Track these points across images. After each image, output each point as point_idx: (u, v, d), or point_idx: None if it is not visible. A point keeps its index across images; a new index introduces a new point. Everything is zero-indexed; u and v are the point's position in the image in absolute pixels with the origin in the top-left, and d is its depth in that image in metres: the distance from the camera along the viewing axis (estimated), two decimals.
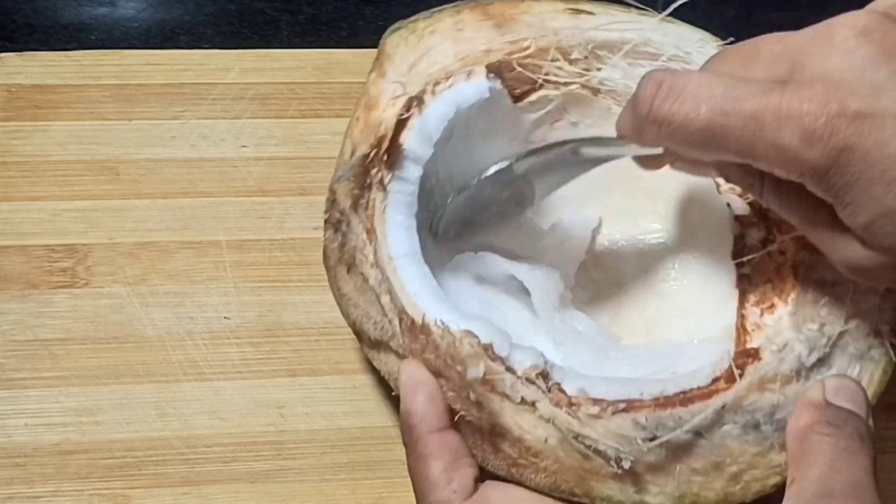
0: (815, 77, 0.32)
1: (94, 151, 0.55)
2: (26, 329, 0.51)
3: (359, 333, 0.43)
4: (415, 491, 0.38)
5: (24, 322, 0.51)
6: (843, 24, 0.32)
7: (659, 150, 0.38)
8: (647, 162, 0.40)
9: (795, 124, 0.31)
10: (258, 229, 0.54)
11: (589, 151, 0.41)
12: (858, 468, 0.34)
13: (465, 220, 0.46)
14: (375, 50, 0.46)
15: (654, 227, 0.48)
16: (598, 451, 0.37)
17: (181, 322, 0.52)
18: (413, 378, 0.39)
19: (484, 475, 0.39)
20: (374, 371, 0.47)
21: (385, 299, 0.41)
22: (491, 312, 0.44)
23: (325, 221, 0.43)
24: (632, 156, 0.40)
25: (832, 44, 0.32)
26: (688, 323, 0.46)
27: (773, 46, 0.34)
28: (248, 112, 0.57)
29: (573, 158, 0.41)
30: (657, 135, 0.35)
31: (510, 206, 0.46)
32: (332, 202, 0.43)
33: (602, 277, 0.49)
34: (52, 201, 0.54)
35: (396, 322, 0.40)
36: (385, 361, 0.42)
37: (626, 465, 0.36)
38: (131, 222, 0.54)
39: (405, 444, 0.39)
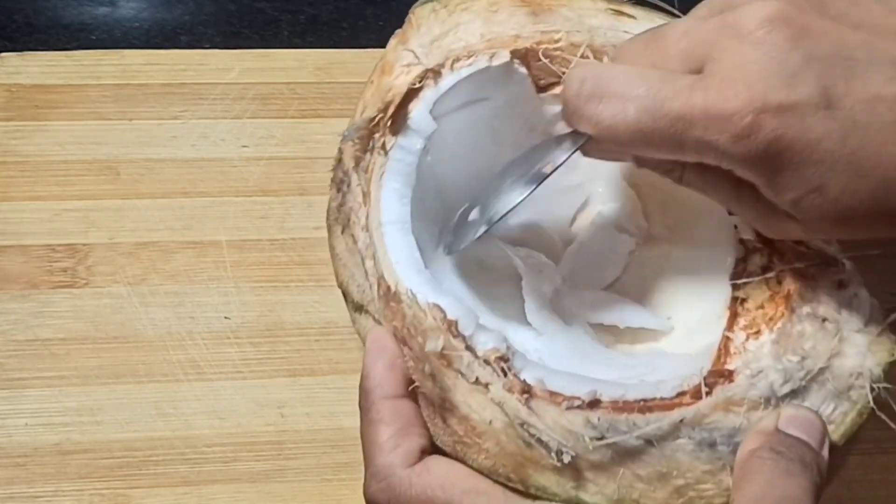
0: (732, 72, 0.32)
1: (94, 151, 0.55)
2: (26, 329, 0.51)
3: (345, 294, 0.43)
4: (363, 455, 0.39)
5: (24, 322, 0.51)
6: (749, 15, 0.33)
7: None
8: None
9: (723, 124, 0.32)
10: (258, 229, 0.54)
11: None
12: (796, 486, 0.34)
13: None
14: (376, 50, 0.46)
15: (659, 236, 0.48)
16: (540, 441, 0.36)
17: (181, 322, 0.52)
18: (377, 343, 0.39)
19: (436, 452, 0.39)
20: None
21: (369, 264, 0.41)
22: (481, 296, 0.44)
23: (331, 180, 0.43)
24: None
25: (741, 36, 0.33)
26: (674, 336, 0.46)
27: (678, 43, 0.35)
28: (249, 112, 0.57)
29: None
30: (588, 132, 0.36)
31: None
32: (338, 161, 0.43)
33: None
34: (52, 201, 0.54)
35: (376, 287, 0.40)
36: (363, 325, 0.42)
37: (567, 458, 0.36)
38: (131, 222, 0.54)
39: (360, 408, 0.39)
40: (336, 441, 0.50)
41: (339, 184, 0.43)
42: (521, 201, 0.40)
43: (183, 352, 0.51)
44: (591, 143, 0.38)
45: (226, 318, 0.52)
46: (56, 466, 0.48)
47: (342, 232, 0.43)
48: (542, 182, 0.40)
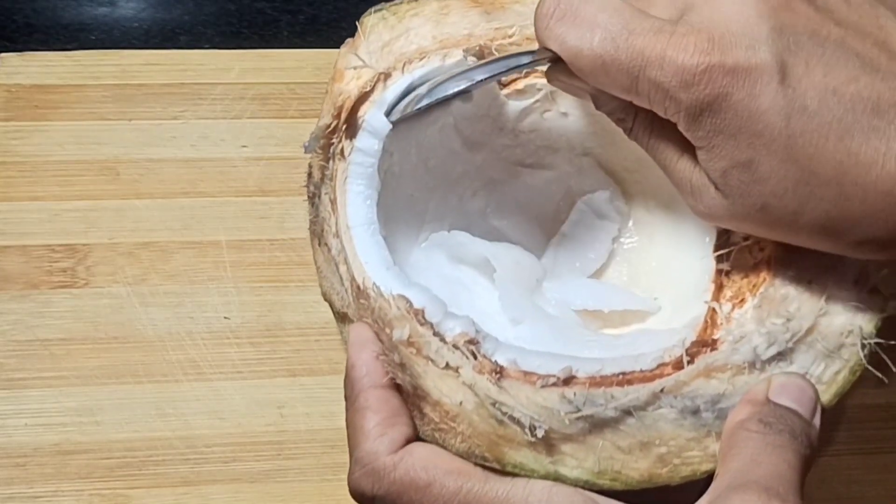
0: (703, 23, 0.33)
1: (94, 151, 0.55)
2: (26, 329, 0.51)
3: (330, 305, 0.43)
4: (348, 442, 0.39)
5: (24, 322, 0.51)
6: None
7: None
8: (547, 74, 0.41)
9: (677, 67, 0.33)
10: (258, 229, 0.54)
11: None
12: (781, 461, 0.34)
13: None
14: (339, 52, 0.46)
15: (640, 219, 0.48)
16: (512, 418, 0.36)
17: (181, 322, 0.52)
18: (361, 336, 0.39)
19: (420, 441, 0.39)
20: None
21: (343, 269, 0.41)
22: (460, 292, 0.44)
23: (306, 195, 0.44)
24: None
25: None
26: (662, 315, 0.46)
27: None
28: (248, 112, 0.57)
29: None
30: (554, 50, 0.36)
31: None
32: (308, 176, 0.43)
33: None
34: (52, 201, 0.54)
35: (350, 290, 0.41)
36: (348, 333, 0.42)
37: (540, 433, 0.36)
38: (131, 222, 0.54)
39: (346, 398, 0.39)
40: (336, 441, 0.50)
41: (312, 197, 0.43)
42: (469, 87, 0.40)
43: (182, 352, 0.51)
44: (554, 68, 0.38)
45: (225, 318, 0.52)
46: (56, 466, 0.48)
47: (318, 244, 0.43)
48: (493, 77, 0.40)
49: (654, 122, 0.36)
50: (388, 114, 0.42)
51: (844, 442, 0.52)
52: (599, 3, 0.35)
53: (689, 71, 0.32)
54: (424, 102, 0.42)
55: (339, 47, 0.59)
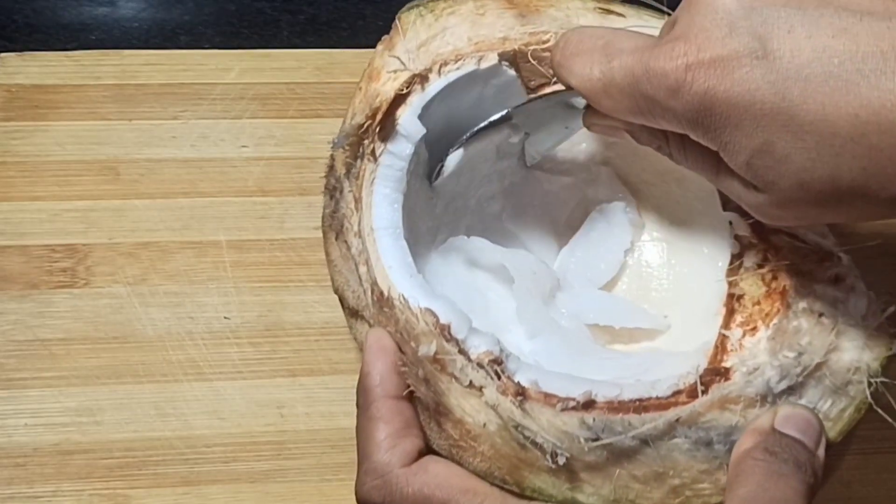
0: (682, 29, 0.33)
1: (94, 151, 0.55)
2: (26, 329, 0.51)
3: (341, 300, 0.43)
4: (358, 451, 0.39)
5: (24, 322, 0.51)
6: None
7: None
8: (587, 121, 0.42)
9: (661, 77, 0.33)
10: (258, 229, 0.54)
11: (579, 102, 0.41)
12: (788, 489, 0.34)
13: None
14: (376, 50, 0.46)
15: (654, 234, 0.48)
16: (535, 443, 0.36)
17: (181, 322, 0.52)
18: (379, 343, 0.39)
19: (432, 454, 0.39)
20: None
21: (363, 269, 0.41)
22: (475, 298, 0.44)
23: (324, 187, 0.43)
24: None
25: (701, 1, 0.33)
26: (671, 334, 0.46)
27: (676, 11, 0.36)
28: (248, 112, 0.57)
29: (565, 113, 0.42)
30: (570, 84, 0.37)
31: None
32: (330, 168, 0.43)
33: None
34: (52, 201, 0.54)
35: (370, 293, 0.41)
36: (360, 331, 0.42)
37: (561, 460, 0.36)
38: (131, 222, 0.54)
39: (358, 406, 0.39)
40: (336, 441, 0.50)
41: (332, 190, 0.43)
42: (488, 122, 0.42)
43: (183, 352, 0.51)
44: (588, 113, 0.39)
45: (225, 318, 0.52)
46: (56, 466, 0.48)
47: (336, 238, 0.43)
48: (514, 110, 0.42)
49: (683, 141, 0.36)
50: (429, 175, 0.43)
51: (844, 442, 0.52)
52: (599, 33, 0.36)
53: (672, 77, 0.32)
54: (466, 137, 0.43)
55: (339, 47, 0.59)
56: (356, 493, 0.38)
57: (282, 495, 0.49)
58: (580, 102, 0.40)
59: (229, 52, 0.59)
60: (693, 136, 0.34)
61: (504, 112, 0.43)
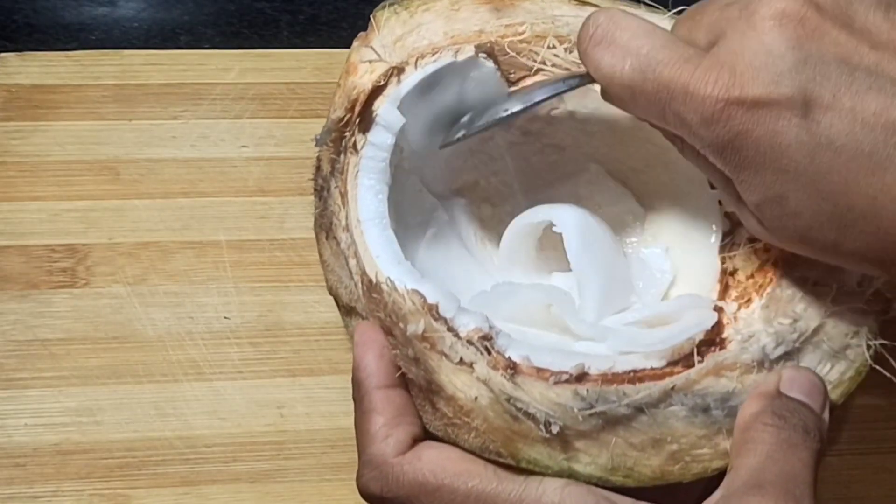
0: (728, 55, 0.32)
1: (94, 151, 0.55)
2: (26, 329, 0.51)
3: (336, 299, 0.43)
4: (357, 445, 0.39)
5: (24, 322, 0.51)
6: (768, 4, 0.32)
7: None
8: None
9: (697, 104, 0.32)
10: (258, 229, 0.54)
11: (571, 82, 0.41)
12: (796, 460, 0.34)
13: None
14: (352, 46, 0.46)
15: (647, 219, 0.48)
16: (528, 414, 0.36)
17: (181, 322, 0.52)
18: (365, 336, 0.39)
19: (429, 438, 0.39)
20: None
21: (352, 263, 0.41)
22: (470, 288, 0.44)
23: (313, 188, 0.44)
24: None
25: (752, 22, 0.32)
26: None
27: (711, 15, 0.35)
28: (248, 112, 0.57)
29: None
30: (591, 73, 0.37)
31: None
32: (317, 169, 0.43)
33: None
34: (52, 201, 0.54)
35: (360, 284, 0.41)
36: (355, 327, 0.42)
37: (555, 429, 0.36)
38: (131, 222, 0.54)
39: (353, 400, 0.40)
40: (336, 441, 0.50)
41: (320, 191, 0.43)
42: (507, 116, 0.41)
43: (182, 352, 0.51)
44: (606, 91, 0.38)
45: (225, 318, 0.52)
46: (56, 466, 0.48)
47: (326, 237, 0.43)
48: (533, 105, 0.41)
49: (698, 153, 0.35)
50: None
51: (844, 442, 0.52)
52: (634, 28, 0.35)
53: (709, 107, 0.32)
54: (475, 127, 0.42)
55: (339, 47, 0.59)
56: (357, 486, 0.38)
57: (282, 495, 0.49)
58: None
59: (229, 52, 0.59)
60: (711, 160, 0.34)
61: (519, 108, 0.42)
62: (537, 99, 0.41)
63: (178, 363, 0.51)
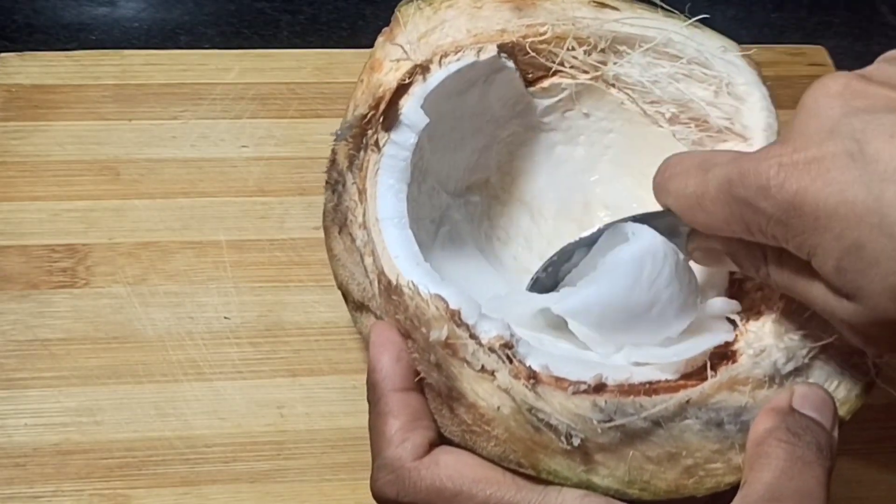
0: (783, 137, 0.34)
1: (94, 151, 0.55)
2: (26, 329, 0.51)
3: (345, 295, 0.43)
4: (371, 447, 0.39)
5: (24, 322, 0.51)
6: (817, 88, 0.33)
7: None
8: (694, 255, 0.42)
9: (753, 178, 0.33)
10: (258, 229, 0.54)
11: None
12: (810, 478, 0.34)
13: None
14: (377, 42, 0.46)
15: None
16: (549, 426, 0.36)
17: (181, 322, 0.52)
18: (382, 337, 0.39)
19: (444, 443, 0.39)
20: None
21: (368, 261, 0.41)
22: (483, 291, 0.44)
23: (326, 182, 0.44)
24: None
25: (805, 105, 0.33)
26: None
27: None
28: (248, 112, 0.57)
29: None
30: (665, 203, 0.38)
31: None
32: (332, 162, 0.43)
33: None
34: (52, 201, 0.54)
35: (376, 283, 0.41)
36: (365, 324, 0.42)
37: (576, 441, 0.36)
38: (131, 222, 0.54)
39: (368, 402, 0.39)
40: (335, 441, 0.50)
41: (335, 184, 0.43)
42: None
43: (183, 352, 0.51)
44: (690, 239, 0.40)
45: (225, 318, 0.52)
46: (56, 466, 0.48)
47: (339, 232, 0.43)
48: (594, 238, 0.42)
49: (781, 257, 0.35)
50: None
51: (844, 442, 0.51)
52: (693, 153, 0.38)
53: (764, 176, 0.32)
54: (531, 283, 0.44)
55: (339, 47, 0.59)
56: (371, 489, 0.38)
57: (282, 495, 0.49)
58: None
59: (229, 52, 0.59)
60: (783, 244, 0.33)
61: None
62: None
63: (178, 363, 0.51)
